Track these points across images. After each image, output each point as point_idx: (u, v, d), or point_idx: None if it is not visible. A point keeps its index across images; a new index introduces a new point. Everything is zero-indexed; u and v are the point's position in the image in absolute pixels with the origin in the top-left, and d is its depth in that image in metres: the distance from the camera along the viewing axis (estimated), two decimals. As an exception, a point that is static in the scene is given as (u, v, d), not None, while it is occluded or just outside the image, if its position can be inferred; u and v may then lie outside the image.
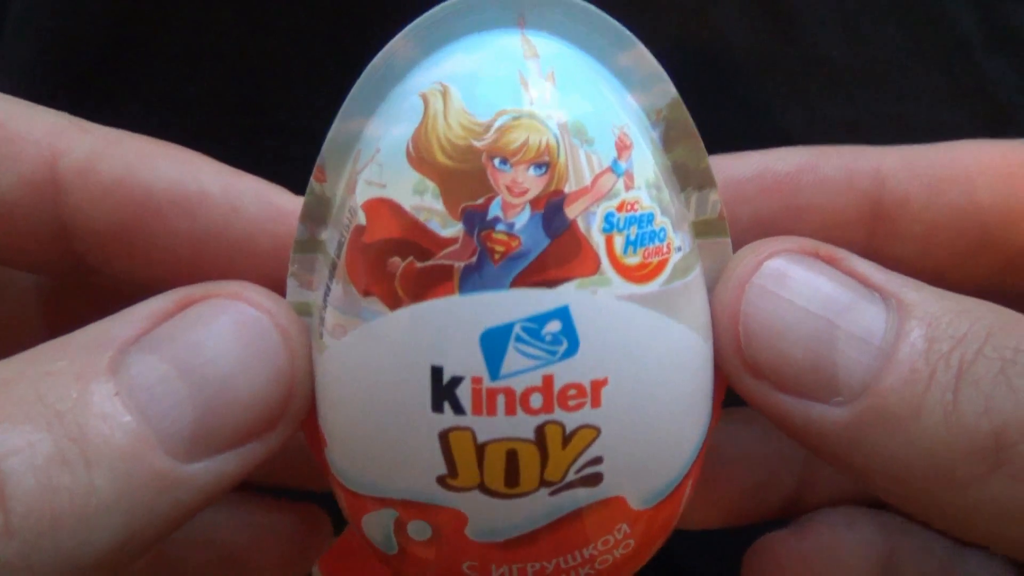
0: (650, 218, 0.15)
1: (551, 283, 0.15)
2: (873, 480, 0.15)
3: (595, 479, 0.15)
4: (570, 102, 0.15)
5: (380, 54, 0.16)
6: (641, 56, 0.16)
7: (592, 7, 0.16)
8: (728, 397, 0.18)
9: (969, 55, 0.29)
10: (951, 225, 0.18)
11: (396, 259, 0.15)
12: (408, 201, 0.15)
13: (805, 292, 0.15)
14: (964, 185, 0.18)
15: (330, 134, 0.16)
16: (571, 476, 0.15)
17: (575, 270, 0.15)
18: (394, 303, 0.15)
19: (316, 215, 0.16)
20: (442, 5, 0.16)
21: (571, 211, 0.15)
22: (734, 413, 0.22)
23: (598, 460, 0.15)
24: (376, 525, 0.16)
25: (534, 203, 0.15)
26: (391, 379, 0.15)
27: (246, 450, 0.15)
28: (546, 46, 0.16)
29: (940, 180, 0.18)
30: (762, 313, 0.16)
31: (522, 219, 0.15)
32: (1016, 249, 0.19)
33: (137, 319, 0.15)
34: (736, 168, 0.18)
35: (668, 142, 0.17)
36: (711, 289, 0.17)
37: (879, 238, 0.19)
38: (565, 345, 0.15)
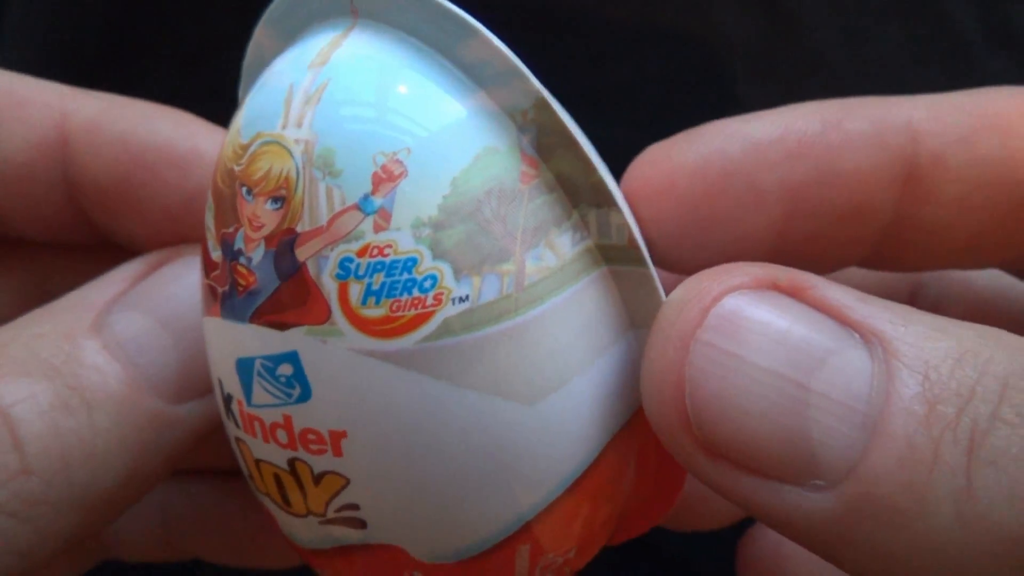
0: (409, 264, 0.13)
1: (281, 326, 0.14)
2: None
3: (358, 523, 0.14)
4: (327, 125, 0.13)
5: (250, 43, 0.16)
6: (490, 48, 0.13)
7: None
8: None
9: (969, 55, 0.29)
10: (988, 182, 0.16)
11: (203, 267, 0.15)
12: (207, 209, 0.15)
13: (766, 345, 0.12)
14: (1001, 135, 0.15)
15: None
16: (331, 514, 0.14)
17: (304, 317, 0.13)
18: (206, 311, 0.15)
19: None
20: None
21: (301, 253, 0.13)
22: None
23: (354, 507, 0.14)
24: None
25: (268, 240, 0.14)
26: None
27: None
28: (360, 46, 0.14)
29: (974, 131, 0.16)
30: (713, 379, 0.12)
31: (258, 255, 0.14)
32: None
33: (114, 282, 0.16)
34: (754, 131, 0.16)
35: (543, 150, 0.14)
36: (626, 332, 0.14)
37: (912, 202, 0.16)
38: (299, 390, 0.14)
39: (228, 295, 0.14)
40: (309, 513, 0.14)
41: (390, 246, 0.13)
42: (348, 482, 0.14)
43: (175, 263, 0.16)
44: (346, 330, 0.13)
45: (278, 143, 0.13)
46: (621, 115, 0.29)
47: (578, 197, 0.14)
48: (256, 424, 0.14)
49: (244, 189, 0.14)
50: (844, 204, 0.16)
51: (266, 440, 0.14)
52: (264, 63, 0.15)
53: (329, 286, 0.13)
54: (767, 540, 0.20)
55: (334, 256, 0.13)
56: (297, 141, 0.13)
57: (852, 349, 0.12)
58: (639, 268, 0.14)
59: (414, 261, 0.13)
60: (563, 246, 0.14)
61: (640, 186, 0.16)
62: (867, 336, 0.12)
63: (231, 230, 0.14)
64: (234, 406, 0.15)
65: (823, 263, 0.16)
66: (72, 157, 0.17)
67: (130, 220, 0.17)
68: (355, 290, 0.13)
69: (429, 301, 0.13)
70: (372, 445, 0.14)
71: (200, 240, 0.15)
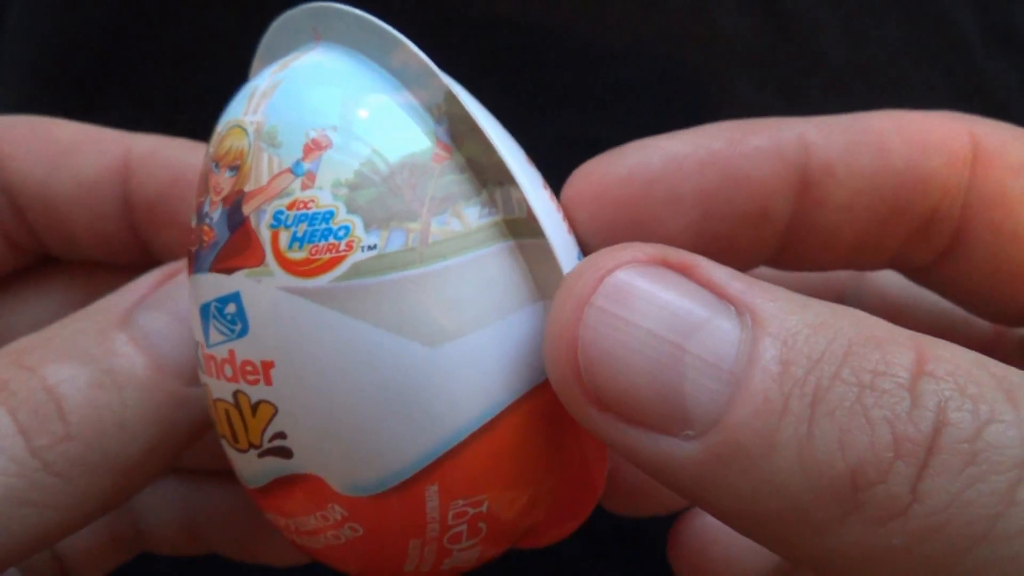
0: (327, 216, 0.16)
1: (229, 271, 0.16)
2: (730, 520, 0.14)
3: (285, 452, 0.16)
4: (274, 110, 0.17)
5: (251, 71, 0.19)
6: (409, 54, 0.16)
7: (358, 12, 0.17)
8: None
9: (969, 55, 0.29)
10: (868, 190, 0.18)
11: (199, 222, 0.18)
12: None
13: (650, 311, 0.14)
14: (878, 149, 0.18)
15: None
16: (266, 444, 0.16)
17: (245, 260, 0.16)
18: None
19: None
20: (272, 25, 0.18)
21: (246, 208, 0.16)
22: None
23: (282, 435, 0.16)
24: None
25: (224, 200, 0.17)
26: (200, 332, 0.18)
27: None
28: (313, 57, 0.17)
29: (856, 144, 0.18)
30: (603, 339, 0.14)
31: (216, 214, 0.17)
32: (925, 216, 0.19)
33: (137, 289, 0.19)
34: (672, 146, 0.18)
35: (455, 137, 0.16)
36: (535, 303, 0.16)
37: (806, 207, 0.18)
38: (240, 326, 0.16)
39: (196, 253, 0.17)
40: (250, 446, 0.17)
41: (313, 201, 0.16)
42: (277, 411, 0.16)
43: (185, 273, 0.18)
44: (276, 271, 0.16)
45: (239, 126, 0.17)
46: (621, 115, 0.29)
47: (485, 177, 0.16)
48: (212, 363, 0.17)
49: (214, 164, 0.17)
50: (749, 208, 0.18)
51: (218, 376, 0.17)
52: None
53: (264, 235, 0.16)
54: (696, 526, 0.21)
55: (270, 210, 0.16)
56: (251, 123, 0.17)
57: (726, 319, 0.14)
58: (540, 240, 0.16)
59: (331, 213, 0.16)
60: (470, 216, 0.16)
61: (577, 194, 0.18)
62: (740, 309, 0.14)
63: (202, 199, 0.17)
64: (199, 352, 0.17)
65: (735, 262, 0.17)
66: (131, 180, 0.21)
67: (168, 231, 0.21)
68: (284, 237, 0.16)
69: (342, 247, 0.15)
70: (294, 375, 0.16)
71: None
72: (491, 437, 0.16)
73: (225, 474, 0.23)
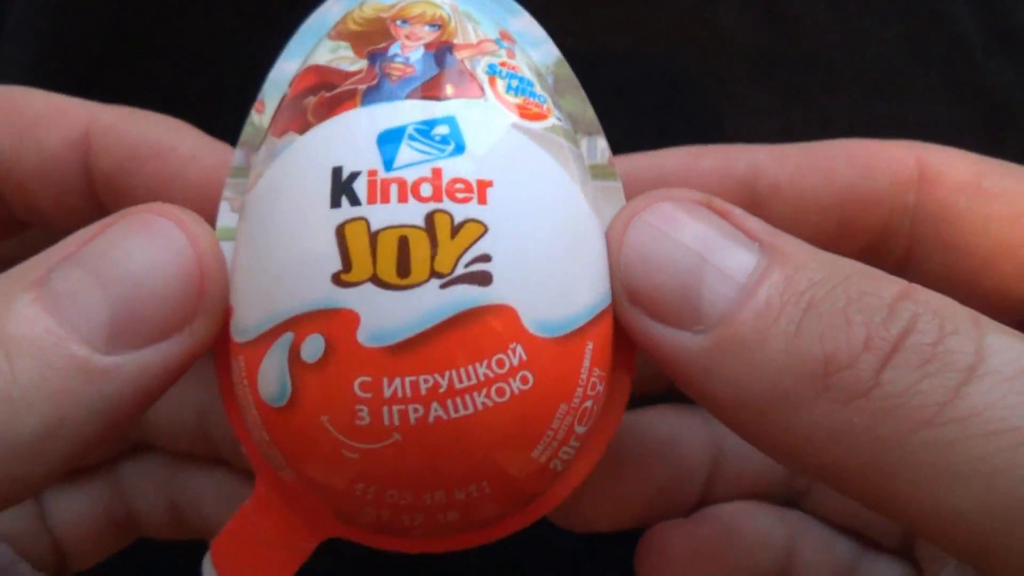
0: (529, 83, 0.18)
1: (440, 98, 0.17)
2: (722, 408, 0.16)
3: (485, 277, 0.16)
4: (463, 2, 0.19)
5: (316, 11, 0.19)
6: (530, 23, 0.19)
7: None
8: (632, 400, 0.19)
9: (969, 55, 0.29)
10: (814, 207, 0.20)
11: (310, 98, 0.17)
12: (324, 60, 0.18)
13: (685, 229, 0.16)
14: (823, 171, 0.20)
15: (271, 73, 0.19)
16: (460, 269, 0.16)
17: (462, 92, 0.17)
18: (304, 130, 0.17)
19: (253, 142, 0.19)
20: None
21: (458, 54, 0.17)
22: (640, 415, 0.23)
23: (486, 258, 0.16)
24: (271, 369, 0.16)
25: (427, 46, 0.18)
26: (295, 193, 0.17)
27: (168, 344, 0.16)
28: None
29: (803, 167, 0.21)
30: (642, 242, 0.16)
31: (416, 55, 0.17)
32: (874, 232, 0.21)
33: (64, 246, 0.16)
34: (631, 166, 0.21)
35: (558, 92, 0.19)
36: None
37: None
38: (453, 145, 0.16)
39: (376, 87, 0.17)
40: (432, 276, 0.16)
41: (517, 68, 0.18)
42: (487, 230, 0.16)
43: (118, 224, 0.17)
44: (495, 106, 0.17)
45: (425, 2, 0.18)
46: (621, 115, 0.29)
47: (577, 126, 0.19)
48: (393, 186, 0.16)
49: (399, 21, 0.18)
50: None
51: (402, 199, 0.16)
52: (326, 23, 0.19)
53: (482, 76, 0.17)
54: (667, 539, 0.22)
55: (484, 60, 0.18)
56: (443, 2, 0.18)
57: (749, 249, 0.16)
58: (612, 182, 0.18)
59: (531, 82, 0.18)
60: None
61: None
62: (764, 246, 0.16)
63: (382, 45, 0.18)
64: (357, 184, 0.16)
65: None
66: (92, 151, 0.20)
67: (127, 201, 0.19)
68: (500, 83, 0.17)
69: (544, 108, 0.18)
70: (511, 197, 0.16)
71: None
72: (607, 321, 0.17)
73: (209, 460, 0.23)
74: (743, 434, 0.16)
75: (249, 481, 0.22)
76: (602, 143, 0.19)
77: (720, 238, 0.16)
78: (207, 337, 0.17)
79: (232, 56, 0.30)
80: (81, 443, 0.15)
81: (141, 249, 0.16)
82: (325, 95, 0.17)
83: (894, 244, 0.21)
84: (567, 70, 0.19)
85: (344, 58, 0.18)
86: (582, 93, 0.19)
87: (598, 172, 0.18)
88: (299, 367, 0.16)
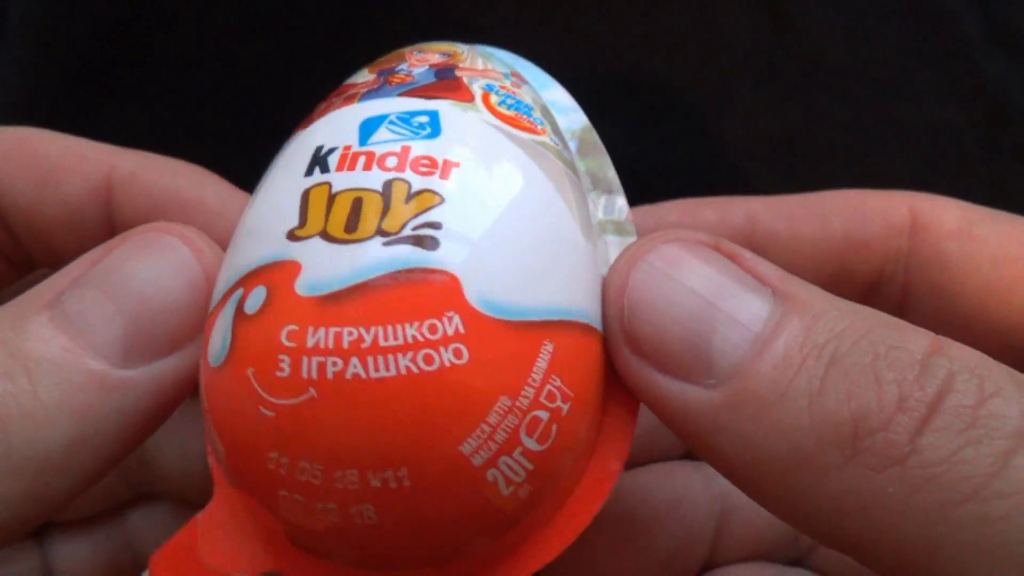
0: (529, 106, 0.18)
1: (428, 98, 0.17)
2: (735, 469, 0.15)
3: (431, 242, 0.15)
4: (485, 48, 0.20)
5: None
6: (563, 94, 0.20)
7: (528, 63, 0.21)
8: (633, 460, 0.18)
9: (969, 55, 0.29)
10: (811, 254, 0.21)
11: (321, 104, 0.19)
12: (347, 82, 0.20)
13: (694, 274, 0.15)
14: (819, 220, 0.21)
15: None
16: (407, 231, 0.15)
17: (451, 95, 0.18)
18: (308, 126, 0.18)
19: None
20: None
21: (459, 72, 0.18)
22: (641, 474, 0.22)
23: (436, 225, 0.15)
24: (219, 328, 0.16)
25: (432, 65, 0.19)
26: (279, 172, 0.17)
27: (180, 355, 0.17)
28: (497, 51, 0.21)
29: (799, 216, 0.21)
30: (647, 288, 0.15)
31: (419, 71, 0.18)
32: (870, 279, 0.21)
33: (74, 268, 0.17)
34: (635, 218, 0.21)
35: (582, 154, 0.19)
36: None
37: None
38: (429, 131, 0.17)
39: (376, 89, 0.18)
40: (377, 233, 0.15)
41: (518, 94, 0.18)
42: (442, 200, 0.16)
43: (125, 244, 0.17)
44: (483, 111, 0.17)
45: (452, 44, 0.20)
46: (621, 115, 0.29)
47: (597, 185, 0.19)
48: (361, 158, 0.16)
49: (417, 51, 0.20)
50: None
51: (367, 168, 0.16)
52: None
53: (476, 90, 0.18)
54: None
55: (483, 80, 0.18)
56: (465, 46, 0.20)
57: (761, 296, 0.15)
58: (629, 238, 0.18)
59: (531, 108, 0.18)
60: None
61: None
62: (776, 292, 0.15)
63: (393, 64, 0.19)
64: (331, 157, 0.17)
65: None
66: (113, 200, 0.21)
67: None
68: (494, 97, 0.18)
69: (539, 128, 0.18)
70: (478, 181, 0.16)
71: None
72: (591, 337, 0.16)
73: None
74: (759, 498, 0.15)
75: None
76: (621, 201, 0.19)
77: (731, 283, 0.15)
78: None
79: (232, 56, 0.30)
80: (102, 458, 0.16)
81: (149, 265, 0.17)
82: (332, 99, 0.18)
83: (889, 290, 0.21)
84: (593, 136, 0.19)
85: (360, 75, 0.19)
86: (607, 158, 0.19)
87: (616, 228, 0.18)
88: (240, 319, 0.16)
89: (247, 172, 0.20)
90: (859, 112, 0.29)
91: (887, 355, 0.14)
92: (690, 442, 0.15)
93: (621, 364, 0.16)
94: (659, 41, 0.29)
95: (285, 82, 0.29)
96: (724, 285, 0.15)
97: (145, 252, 0.17)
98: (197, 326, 0.17)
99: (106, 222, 0.21)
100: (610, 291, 0.16)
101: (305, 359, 0.15)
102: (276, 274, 0.16)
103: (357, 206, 0.16)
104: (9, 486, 0.15)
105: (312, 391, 0.15)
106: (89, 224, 0.21)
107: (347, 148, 0.17)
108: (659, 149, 0.29)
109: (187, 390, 0.17)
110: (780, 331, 0.14)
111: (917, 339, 0.14)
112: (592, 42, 0.29)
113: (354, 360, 0.15)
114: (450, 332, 0.15)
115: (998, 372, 0.14)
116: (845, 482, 0.13)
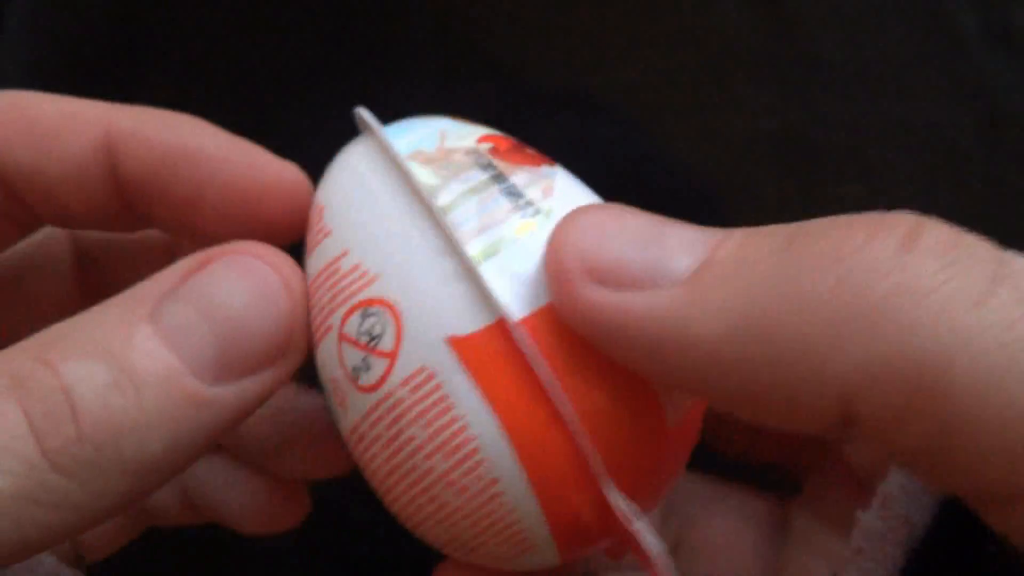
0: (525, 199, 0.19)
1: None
2: (711, 347, 0.15)
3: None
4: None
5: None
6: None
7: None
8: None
9: (969, 55, 0.29)
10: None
11: None
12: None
13: (636, 216, 0.17)
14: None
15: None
16: None
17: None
18: None
19: None
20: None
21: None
22: (709, 505, 0.22)
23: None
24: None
25: None
26: None
27: (261, 376, 0.18)
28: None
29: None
30: (598, 222, 0.17)
31: None
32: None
33: (168, 277, 0.18)
34: None
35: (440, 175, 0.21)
36: None
37: None
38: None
39: None
40: None
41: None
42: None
43: (219, 262, 0.18)
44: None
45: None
46: (621, 115, 0.29)
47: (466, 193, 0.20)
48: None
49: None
50: None
51: None
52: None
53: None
54: None
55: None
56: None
57: (703, 230, 0.16)
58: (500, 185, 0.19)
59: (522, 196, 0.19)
60: None
61: None
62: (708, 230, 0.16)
63: None
64: None
65: None
66: (117, 157, 0.21)
67: (160, 206, 0.21)
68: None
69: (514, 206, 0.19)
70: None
71: (255, 210, 0.21)
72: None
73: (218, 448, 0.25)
74: (737, 371, 0.15)
75: (244, 465, 0.24)
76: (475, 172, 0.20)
77: (665, 219, 0.16)
78: (292, 370, 0.19)
79: (232, 57, 0.30)
80: (185, 465, 0.18)
81: (242, 291, 0.18)
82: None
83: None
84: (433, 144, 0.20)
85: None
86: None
87: (477, 190, 0.19)
88: None
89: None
90: (859, 111, 0.29)
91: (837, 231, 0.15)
92: (664, 353, 0.16)
93: (583, 299, 0.16)
94: (659, 41, 0.29)
95: (286, 82, 0.29)
96: (660, 219, 0.16)
97: (240, 277, 0.18)
98: (278, 353, 0.18)
99: (110, 176, 0.21)
100: (554, 245, 0.17)
101: None
102: None
103: None
104: (117, 483, 0.17)
105: None
106: (93, 181, 0.21)
107: None
108: (659, 149, 0.29)
109: (260, 405, 0.19)
110: (729, 232, 0.16)
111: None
112: (592, 42, 0.29)
113: None
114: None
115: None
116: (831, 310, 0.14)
